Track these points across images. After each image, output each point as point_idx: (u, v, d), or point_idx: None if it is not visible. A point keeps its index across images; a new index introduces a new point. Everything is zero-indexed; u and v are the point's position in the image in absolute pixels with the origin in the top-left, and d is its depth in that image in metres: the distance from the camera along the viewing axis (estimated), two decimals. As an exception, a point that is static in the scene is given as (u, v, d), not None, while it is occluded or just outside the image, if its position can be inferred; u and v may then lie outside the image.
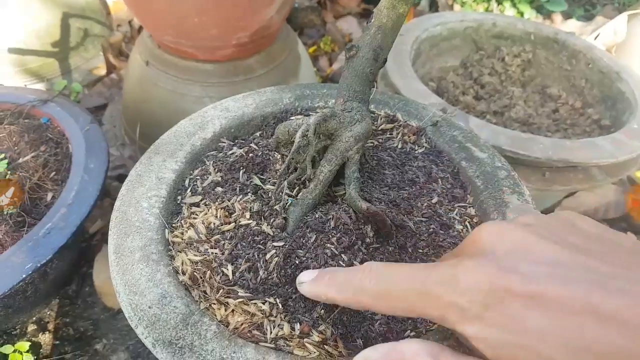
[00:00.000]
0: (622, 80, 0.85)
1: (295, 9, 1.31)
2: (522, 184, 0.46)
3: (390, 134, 0.54)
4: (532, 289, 0.22)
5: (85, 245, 0.89)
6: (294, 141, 0.42)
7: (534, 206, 0.44)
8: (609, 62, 0.89)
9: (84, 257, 0.86)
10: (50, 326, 0.76)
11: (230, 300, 0.38)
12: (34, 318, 0.77)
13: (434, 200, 0.47)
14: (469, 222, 0.45)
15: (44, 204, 0.67)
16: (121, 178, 0.96)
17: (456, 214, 0.46)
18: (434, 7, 1.43)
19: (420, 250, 0.42)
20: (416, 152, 0.52)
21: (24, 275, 0.58)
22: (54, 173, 0.70)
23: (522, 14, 1.36)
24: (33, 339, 0.74)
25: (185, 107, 0.85)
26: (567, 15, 1.41)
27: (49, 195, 0.68)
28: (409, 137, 0.54)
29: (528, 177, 0.67)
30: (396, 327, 0.38)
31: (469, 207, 0.47)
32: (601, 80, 0.88)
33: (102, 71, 1.25)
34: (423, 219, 0.44)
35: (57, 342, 0.75)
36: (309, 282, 0.33)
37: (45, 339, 0.75)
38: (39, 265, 0.59)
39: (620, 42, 1.19)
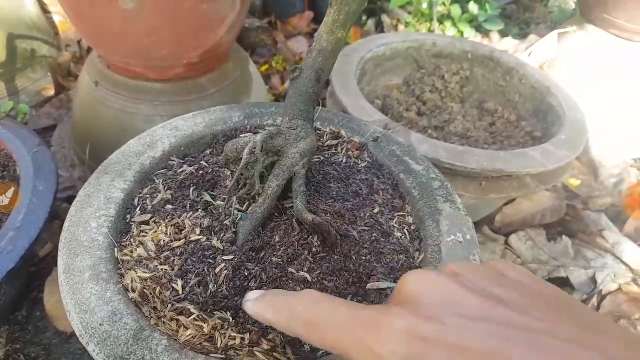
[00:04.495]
0: (552, 95, 0.92)
1: (246, 29, 1.34)
2: (454, 193, 0.50)
3: (335, 150, 0.57)
4: (452, 341, 0.21)
5: (35, 269, 0.86)
6: (242, 158, 0.45)
7: (465, 213, 0.48)
8: (540, 77, 0.97)
9: (33, 282, 0.84)
10: (0, 353, 0.74)
11: (182, 317, 0.39)
12: (-20, 347, 0.74)
13: (375, 210, 0.50)
14: (407, 229, 0.48)
15: (-11, 228, 0.65)
16: (71, 199, 0.94)
17: (395, 222, 0.49)
18: (379, 27, 1.50)
19: (363, 257, 0.44)
20: (359, 166, 0.55)
21: (-32, 302, 0.56)
22: None
23: (461, 33, 1.45)
24: (-21, 368, 0.71)
25: (136, 126, 0.85)
26: (503, 34, 1.51)
27: (-5, 219, 0.66)
28: (353, 152, 0.57)
29: (466, 187, 0.72)
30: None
31: (407, 215, 0.50)
32: (533, 94, 0.95)
33: (50, 92, 1.22)
34: (365, 228, 0.47)
35: (6, 370, 0.72)
36: (252, 301, 0.32)
37: (-8, 367, 0.72)
38: (-16, 291, 0.57)
39: (551, 58, 1.29)
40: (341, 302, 0.27)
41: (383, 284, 0.42)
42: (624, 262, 0.91)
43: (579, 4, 1.30)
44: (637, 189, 1.11)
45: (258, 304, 0.31)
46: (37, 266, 0.87)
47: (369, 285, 0.42)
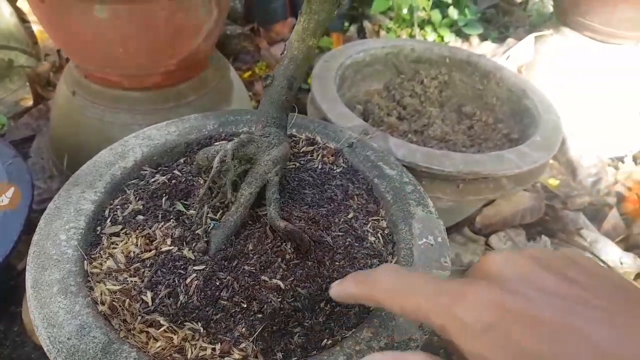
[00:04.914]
0: (528, 97, 0.94)
1: (228, 36, 1.34)
2: (427, 196, 0.51)
3: (310, 156, 0.58)
4: (533, 314, 0.23)
5: (13, 283, 0.85)
6: (213, 166, 0.44)
7: (436, 216, 0.48)
8: (516, 80, 0.98)
9: (11, 296, 0.83)
10: (-26, 371, 0.72)
11: (152, 330, 0.39)
12: (-45, 364, 0.73)
13: (350, 216, 0.50)
14: (380, 233, 0.49)
15: (-39, 243, 0.64)
16: (50, 211, 0.93)
17: (370, 227, 0.49)
18: (362, 33, 1.51)
19: (337, 263, 0.45)
20: (334, 171, 0.55)
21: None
22: (-28, 210, 0.68)
23: (442, 38, 1.46)
24: (-46, 386, 0.70)
25: (115, 136, 0.83)
26: (483, 38, 1.53)
27: (-33, 233, 0.65)
28: (328, 158, 0.57)
29: (444, 190, 0.73)
30: (314, 338, 0.40)
31: (381, 220, 0.50)
32: (510, 97, 0.96)
33: (29, 102, 1.21)
34: (340, 234, 0.47)
35: (-18, 387, 0.71)
36: (336, 284, 0.35)
37: (-32, 385, 0.71)
38: (-45, 306, 0.56)
39: (529, 61, 1.31)
40: (422, 273, 0.31)
41: None
42: (601, 260, 0.92)
43: (555, 8, 1.32)
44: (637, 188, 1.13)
45: (342, 282, 0.34)
46: (15, 280, 0.85)
47: None
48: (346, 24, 1.56)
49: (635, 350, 0.22)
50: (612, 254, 0.93)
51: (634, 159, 1.25)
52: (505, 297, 0.24)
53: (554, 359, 0.23)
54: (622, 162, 1.24)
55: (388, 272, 0.31)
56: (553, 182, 1.11)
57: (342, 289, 0.34)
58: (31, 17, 1.37)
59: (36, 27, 1.37)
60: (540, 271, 0.26)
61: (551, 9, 1.75)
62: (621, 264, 0.93)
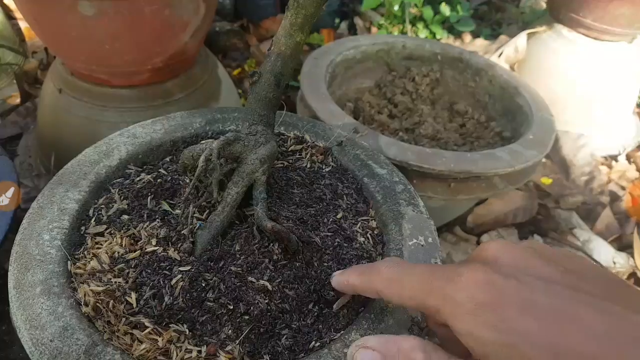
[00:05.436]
0: (520, 95, 0.93)
1: (216, 33, 1.33)
2: (417, 196, 0.50)
3: (299, 155, 0.57)
4: (527, 296, 0.24)
5: (1, 283, 0.84)
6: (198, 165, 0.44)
7: (427, 216, 0.48)
8: (508, 78, 0.98)
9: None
10: (-41, 373, 0.71)
11: (136, 331, 0.38)
12: (-61, 366, 0.71)
13: (339, 216, 0.49)
14: (370, 234, 0.48)
15: (-56, 243, 0.63)
16: (37, 210, 0.92)
17: (359, 227, 0.48)
18: (353, 29, 1.50)
19: (325, 264, 0.44)
20: (323, 170, 0.55)
21: None
22: (-44, 209, 0.67)
23: (434, 35, 1.46)
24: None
25: (102, 134, 0.82)
26: (475, 35, 1.52)
27: (-50, 234, 0.64)
28: (317, 157, 0.56)
29: (435, 189, 0.72)
30: (302, 340, 0.40)
31: (371, 220, 0.50)
32: (502, 95, 0.96)
33: (17, 100, 1.20)
34: (329, 234, 0.47)
35: (-32, 388, 0.70)
36: (338, 274, 0.37)
37: (-47, 387, 0.70)
38: (-63, 308, 0.55)
39: (521, 58, 1.31)
40: (422, 264, 0.32)
41: (347, 298, 0.41)
42: (594, 260, 0.93)
43: (548, 4, 1.32)
44: (636, 190, 1.12)
45: (344, 272, 0.37)
46: (3, 279, 0.84)
47: (335, 307, 0.41)
48: (337, 20, 1.55)
49: (625, 336, 0.22)
50: (605, 253, 0.93)
51: (628, 157, 1.25)
52: (499, 279, 0.25)
53: (544, 338, 0.23)
54: (616, 160, 1.24)
55: (389, 263, 0.31)
56: (546, 180, 1.11)
57: (344, 279, 0.36)
58: (18, 14, 1.35)
59: (23, 24, 1.36)
60: (535, 259, 0.27)
61: (544, 5, 1.76)
62: (614, 263, 0.93)
